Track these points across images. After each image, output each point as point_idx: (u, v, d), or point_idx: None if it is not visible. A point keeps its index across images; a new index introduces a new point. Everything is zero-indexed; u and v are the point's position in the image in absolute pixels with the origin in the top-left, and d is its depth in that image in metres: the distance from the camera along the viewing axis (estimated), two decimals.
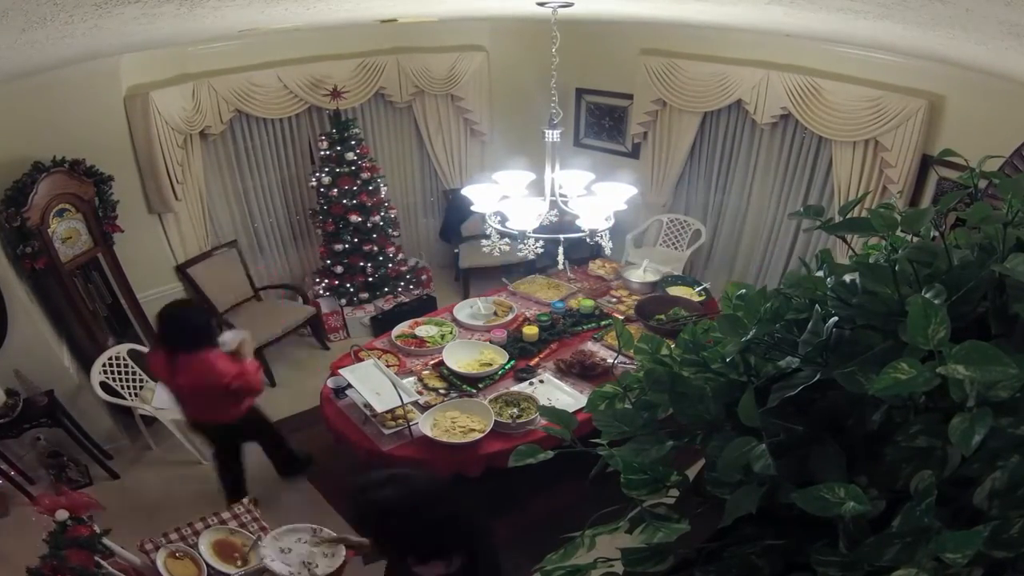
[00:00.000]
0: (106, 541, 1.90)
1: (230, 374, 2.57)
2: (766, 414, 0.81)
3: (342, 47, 4.50)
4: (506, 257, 3.40)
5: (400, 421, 2.80)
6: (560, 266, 2.77)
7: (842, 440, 0.80)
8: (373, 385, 2.83)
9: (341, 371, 2.97)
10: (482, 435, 2.67)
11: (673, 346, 0.99)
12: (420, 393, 3.00)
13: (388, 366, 3.21)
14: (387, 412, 2.77)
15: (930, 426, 0.74)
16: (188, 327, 2.58)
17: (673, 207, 4.98)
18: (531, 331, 3.37)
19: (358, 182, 4.40)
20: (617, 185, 2.54)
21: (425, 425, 2.72)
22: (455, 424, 2.75)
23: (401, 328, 3.53)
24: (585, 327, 3.52)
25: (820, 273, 0.93)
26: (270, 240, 4.89)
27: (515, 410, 2.84)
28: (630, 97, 4.81)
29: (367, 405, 2.83)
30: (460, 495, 1.46)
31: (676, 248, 4.93)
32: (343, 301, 4.72)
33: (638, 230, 5.01)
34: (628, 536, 0.86)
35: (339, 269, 4.63)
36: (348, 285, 4.68)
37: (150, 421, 3.63)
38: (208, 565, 2.09)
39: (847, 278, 0.90)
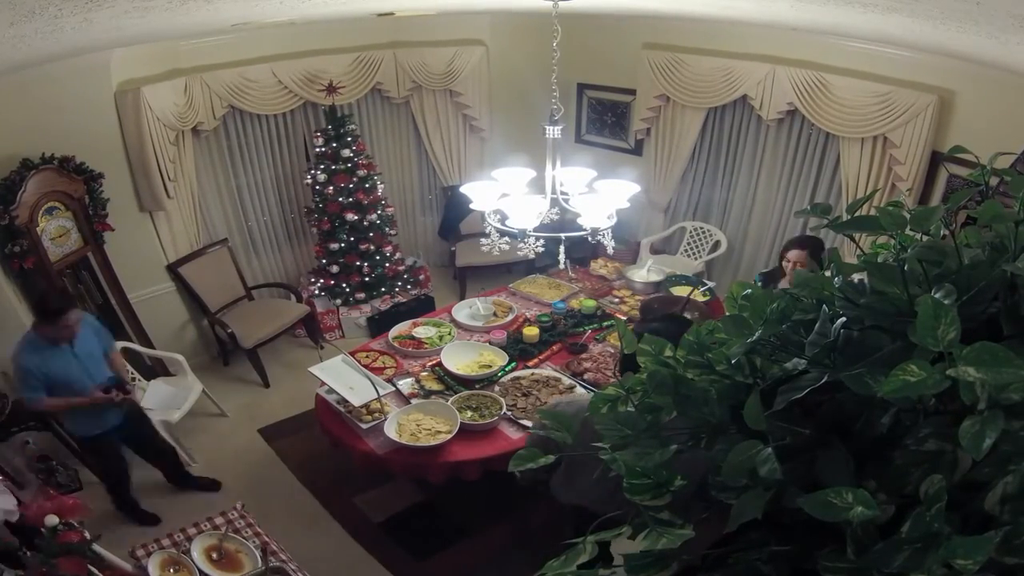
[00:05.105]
0: (96, 547, 1.87)
1: None
2: (772, 417, 0.79)
3: (338, 41, 4.46)
4: (504, 256, 3.38)
5: (376, 415, 2.79)
6: (561, 265, 2.75)
7: (850, 444, 0.79)
8: (345, 381, 2.83)
9: (311, 369, 2.96)
10: (450, 435, 2.63)
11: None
12: (415, 394, 2.98)
13: (385, 368, 3.19)
14: (362, 406, 2.77)
15: (940, 429, 0.73)
16: None
17: (676, 205, 4.93)
18: (531, 332, 3.35)
19: (354, 179, 4.37)
20: (619, 182, 2.51)
21: (390, 430, 2.68)
22: (420, 427, 2.73)
23: (399, 329, 3.51)
24: (587, 328, 3.50)
25: (827, 273, 0.91)
26: (264, 239, 4.85)
27: (472, 412, 2.82)
28: (633, 92, 4.77)
29: (340, 401, 2.82)
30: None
31: (694, 257, 4.80)
32: (338, 301, 4.68)
33: (659, 236, 4.89)
34: (630, 542, 0.84)
35: (335, 268, 4.59)
36: (344, 285, 4.65)
37: None
38: (201, 571, 2.06)
39: (855, 278, 0.89)
